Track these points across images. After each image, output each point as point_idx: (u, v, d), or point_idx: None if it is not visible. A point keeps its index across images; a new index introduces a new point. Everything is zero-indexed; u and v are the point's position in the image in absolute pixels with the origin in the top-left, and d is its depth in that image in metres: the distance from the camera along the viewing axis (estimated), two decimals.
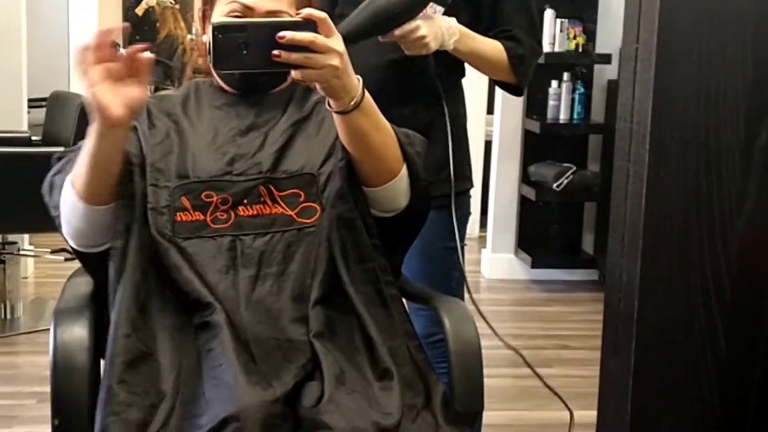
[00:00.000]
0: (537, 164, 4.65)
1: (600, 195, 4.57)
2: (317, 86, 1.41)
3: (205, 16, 1.66)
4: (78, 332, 1.46)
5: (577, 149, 4.73)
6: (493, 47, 1.99)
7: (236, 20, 1.52)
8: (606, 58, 4.53)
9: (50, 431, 1.44)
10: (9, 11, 4.25)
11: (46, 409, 1.45)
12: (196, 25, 1.73)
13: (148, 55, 1.37)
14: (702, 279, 1.02)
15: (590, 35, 4.59)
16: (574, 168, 4.52)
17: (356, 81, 1.42)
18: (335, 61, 1.36)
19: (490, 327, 1.63)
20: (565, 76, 4.57)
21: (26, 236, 4.32)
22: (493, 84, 2.15)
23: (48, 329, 1.51)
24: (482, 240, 5.27)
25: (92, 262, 1.57)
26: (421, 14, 1.85)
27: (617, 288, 1.08)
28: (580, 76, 4.63)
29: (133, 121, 1.43)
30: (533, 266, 4.67)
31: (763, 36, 1.02)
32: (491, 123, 5.11)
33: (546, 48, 4.49)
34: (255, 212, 1.53)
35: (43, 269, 4.56)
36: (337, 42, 1.37)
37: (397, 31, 1.83)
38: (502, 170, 4.82)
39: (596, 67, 4.66)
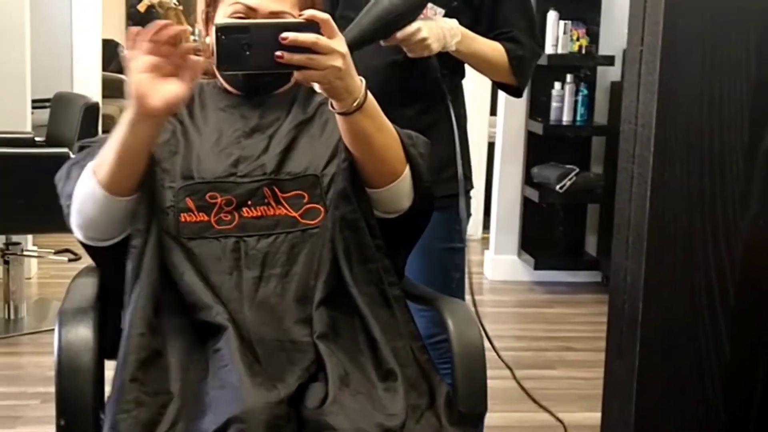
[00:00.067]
0: (540, 166, 4.65)
1: (603, 197, 4.57)
2: (320, 87, 1.42)
3: (208, 18, 1.66)
4: (83, 333, 1.47)
5: (580, 151, 4.72)
6: (494, 49, 1.99)
7: (239, 21, 1.52)
8: (609, 60, 4.52)
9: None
10: (12, 12, 4.25)
11: (50, 410, 1.46)
12: (200, 27, 1.73)
13: (197, 58, 1.37)
14: (706, 281, 1.03)
15: (593, 37, 4.58)
16: (577, 170, 4.52)
17: (359, 82, 1.42)
18: (338, 62, 1.36)
19: (483, 329, 1.63)
20: (568, 77, 4.57)
21: (30, 237, 4.32)
22: (496, 87, 2.15)
23: (52, 330, 1.51)
24: (485, 241, 5.27)
25: (98, 256, 1.57)
26: (421, 16, 1.86)
27: (621, 290, 1.08)
28: (583, 78, 4.62)
29: (168, 116, 1.45)
30: (536, 268, 4.67)
31: (767, 38, 1.02)
32: (494, 124, 5.11)
33: (549, 50, 4.49)
34: (259, 213, 1.53)
35: (47, 270, 4.56)
36: (339, 43, 1.37)
37: (399, 34, 1.84)
38: (505, 172, 4.82)
39: (599, 68, 4.66)
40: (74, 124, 4.17)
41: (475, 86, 5.15)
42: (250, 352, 1.40)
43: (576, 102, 4.59)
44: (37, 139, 4.08)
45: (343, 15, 1.92)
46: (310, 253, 1.52)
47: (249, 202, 1.53)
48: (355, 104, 1.43)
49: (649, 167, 1.02)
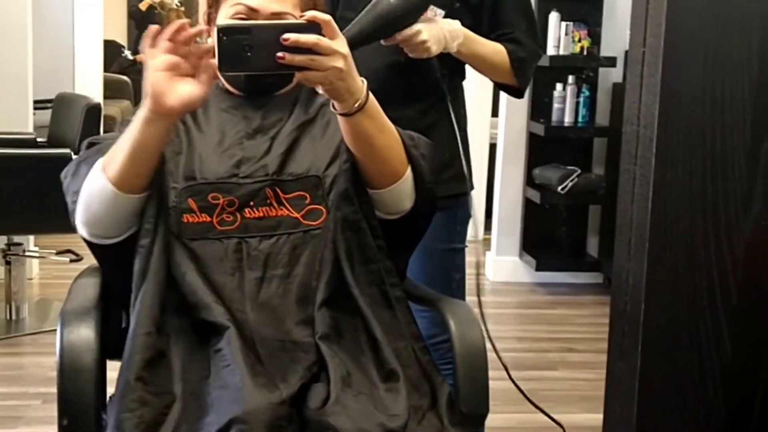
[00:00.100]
0: (542, 167, 4.65)
1: (605, 198, 4.57)
2: (321, 88, 1.42)
3: (210, 19, 1.66)
4: (85, 333, 1.47)
5: (581, 152, 4.72)
6: (496, 51, 2.00)
7: (241, 22, 1.52)
8: (611, 61, 4.52)
9: None
10: (14, 12, 4.25)
11: (51, 410, 1.46)
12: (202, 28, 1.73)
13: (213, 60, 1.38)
14: (708, 281, 1.03)
15: (595, 38, 4.58)
16: (579, 171, 4.52)
17: (360, 83, 1.43)
18: (339, 63, 1.36)
19: (486, 330, 1.63)
20: (570, 79, 4.57)
21: (31, 237, 4.32)
22: (497, 87, 2.16)
23: (53, 330, 1.51)
24: (487, 243, 5.27)
25: (101, 254, 1.57)
26: (422, 18, 1.86)
27: (623, 291, 1.08)
28: (585, 79, 4.62)
29: (182, 117, 1.46)
30: (538, 269, 4.67)
31: None
32: (496, 126, 5.10)
33: (551, 51, 4.49)
34: (261, 214, 1.53)
35: (48, 270, 4.56)
36: (341, 44, 1.37)
37: (399, 36, 1.84)
38: (506, 173, 4.82)
39: (601, 70, 4.66)
40: (76, 124, 4.17)
41: (477, 88, 5.14)
42: (252, 352, 1.40)
43: (578, 103, 4.59)
44: (38, 139, 4.08)
45: (343, 16, 1.92)
46: (312, 254, 1.52)
47: (251, 203, 1.53)
48: (356, 105, 1.43)
49: (651, 168, 1.02)
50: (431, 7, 1.88)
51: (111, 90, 7.24)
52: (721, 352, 1.03)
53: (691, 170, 1.02)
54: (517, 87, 2.07)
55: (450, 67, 2.00)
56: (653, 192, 1.02)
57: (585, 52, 4.55)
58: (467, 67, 2.08)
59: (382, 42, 1.86)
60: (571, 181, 4.48)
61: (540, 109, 4.65)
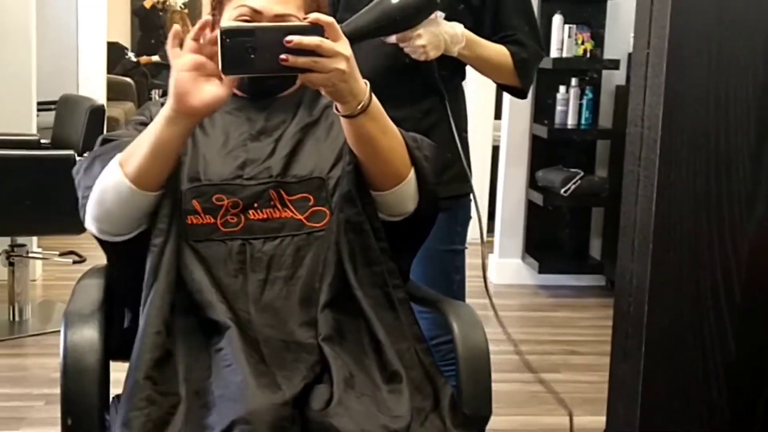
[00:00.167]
0: (545, 169, 4.64)
1: (608, 200, 4.56)
2: (324, 90, 1.42)
3: (213, 21, 1.66)
4: (89, 334, 1.47)
5: (585, 154, 4.72)
6: (499, 53, 2.00)
7: (244, 25, 1.52)
8: (614, 64, 4.52)
9: None
10: (18, 14, 4.26)
11: (54, 411, 1.46)
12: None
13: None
14: (712, 282, 1.03)
15: (598, 41, 4.58)
16: (582, 173, 4.52)
17: (363, 85, 1.43)
18: (342, 65, 1.36)
19: (505, 331, 1.63)
20: (573, 81, 4.57)
21: (35, 239, 4.33)
22: (500, 88, 2.16)
23: (56, 331, 1.52)
24: (489, 245, 5.27)
25: (111, 251, 1.57)
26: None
27: (627, 292, 1.08)
28: (588, 82, 4.62)
29: (205, 117, 1.47)
30: (541, 271, 4.66)
31: None
32: (499, 128, 5.10)
33: (554, 53, 4.49)
34: (265, 216, 1.53)
35: (52, 272, 4.57)
36: (343, 46, 1.38)
37: (397, 37, 1.84)
38: (509, 175, 4.81)
39: (604, 72, 4.65)
40: (79, 126, 4.18)
41: (480, 90, 5.15)
42: (255, 351, 1.41)
43: (581, 105, 4.58)
44: (42, 141, 4.08)
45: (343, 18, 1.92)
46: (315, 256, 1.52)
47: (255, 205, 1.53)
48: (359, 107, 1.43)
49: (656, 169, 1.02)
50: None
51: (114, 92, 7.24)
52: (725, 352, 1.03)
53: (695, 171, 1.02)
54: (520, 88, 2.07)
55: (449, 67, 2.00)
56: (657, 193, 1.02)
57: (588, 55, 4.55)
58: (468, 69, 2.09)
59: (382, 39, 1.86)
60: (574, 183, 4.48)
61: (543, 112, 4.65)
